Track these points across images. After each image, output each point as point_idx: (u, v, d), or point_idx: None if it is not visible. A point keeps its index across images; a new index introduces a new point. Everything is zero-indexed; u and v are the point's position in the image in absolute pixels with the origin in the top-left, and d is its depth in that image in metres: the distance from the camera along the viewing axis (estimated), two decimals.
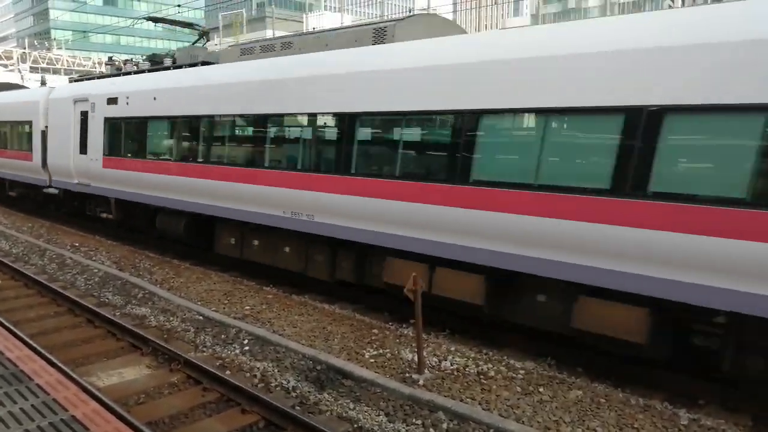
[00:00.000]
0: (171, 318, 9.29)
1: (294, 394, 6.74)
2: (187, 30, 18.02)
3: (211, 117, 11.59)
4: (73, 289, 10.95)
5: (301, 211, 9.80)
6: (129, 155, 13.87)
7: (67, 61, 55.71)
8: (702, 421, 6.02)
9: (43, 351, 7.36)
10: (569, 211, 6.60)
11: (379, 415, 6.19)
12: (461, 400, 6.40)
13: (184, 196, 12.29)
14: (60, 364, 6.97)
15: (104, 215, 15.65)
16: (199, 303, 9.99)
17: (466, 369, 7.23)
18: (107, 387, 6.81)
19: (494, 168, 7.43)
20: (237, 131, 11.32)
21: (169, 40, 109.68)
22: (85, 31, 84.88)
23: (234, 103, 11.04)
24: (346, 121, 9.07)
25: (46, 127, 17.40)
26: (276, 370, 7.34)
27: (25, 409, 4.55)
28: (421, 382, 6.83)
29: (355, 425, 6.05)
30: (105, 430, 4.25)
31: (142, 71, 15.14)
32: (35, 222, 18.33)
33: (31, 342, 7.70)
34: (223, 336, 8.48)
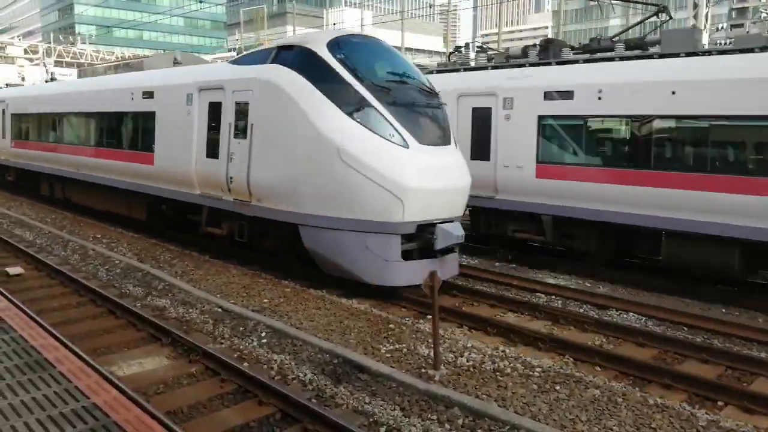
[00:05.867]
0: (190, 310, 9.40)
1: (310, 387, 6.79)
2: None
3: None
4: (95, 280, 11.12)
5: None
6: None
7: (90, 55, 56.43)
8: (721, 422, 5.95)
9: (65, 340, 7.48)
10: None
11: (394, 410, 6.21)
12: (477, 397, 6.40)
13: None
14: (82, 353, 7.08)
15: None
16: (218, 295, 10.10)
17: (483, 365, 7.22)
18: (127, 376, 6.92)
19: None
20: None
21: (191, 35, 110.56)
22: (108, 26, 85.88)
23: None
24: None
25: None
26: (293, 363, 7.40)
27: (48, 395, 4.65)
28: (437, 378, 6.84)
29: (371, 419, 6.08)
30: (125, 418, 4.33)
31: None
32: (58, 214, 18.64)
33: (54, 331, 7.82)
34: (241, 328, 8.56)
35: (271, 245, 11.52)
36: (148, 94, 14.31)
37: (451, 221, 9.96)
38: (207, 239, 13.41)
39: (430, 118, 10.33)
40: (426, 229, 9.68)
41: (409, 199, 9.33)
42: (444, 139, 10.30)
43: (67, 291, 10.39)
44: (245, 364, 7.34)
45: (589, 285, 11.19)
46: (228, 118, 11.55)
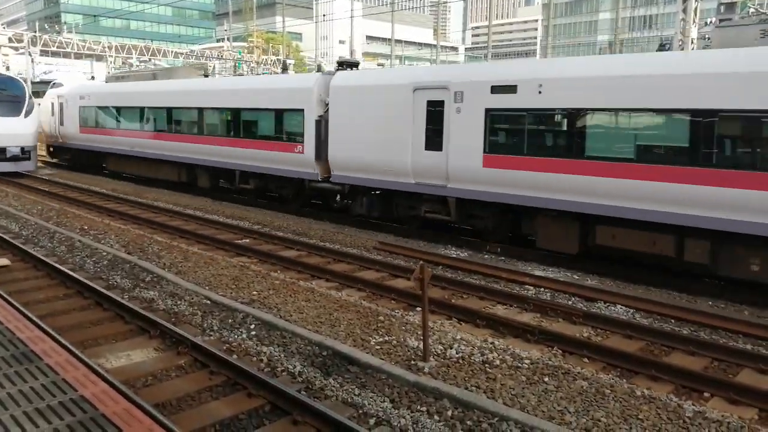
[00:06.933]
0: (179, 302, 9.36)
1: (300, 379, 6.79)
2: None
3: None
4: (82, 272, 11.03)
5: None
6: None
7: (77, 45, 55.72)
8: (707, 413, 6.02)
9: (52, 332, 7.43)
10: None
11: (384, 402, 6.23)
12: (466, 388, 6.43)
13: None
14: (69, 345, 7.02)
15: None
16: (206, 287, 10.05)
17: (472, 357, 7.25)
18: (115, 368, 6.88)
19: None
20: None
21: (179, 25, 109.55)
22: (95, 15, 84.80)
23: None
24: None
25: None
26: (282, 355, 7.39)
27: (36, 388, 4.61)
28: (426, 370, 6.86)
29: (360, 411, 6.09)
30: (114, 411, 4.30)
31: None
32: (45, 205, 18.46)
33: (40, 323, 7.76)
34: (230, 320, 8.53)
35: None
36: None
37: (15, 147, 23.88)
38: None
39: (7, 105, 23.64)
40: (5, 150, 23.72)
41: None
42: (16, 113, 23.89)
43: (54, 283, 10.29)
44: (234, 356, 7.33)
45: (577, 277, 11.26)
46: None
